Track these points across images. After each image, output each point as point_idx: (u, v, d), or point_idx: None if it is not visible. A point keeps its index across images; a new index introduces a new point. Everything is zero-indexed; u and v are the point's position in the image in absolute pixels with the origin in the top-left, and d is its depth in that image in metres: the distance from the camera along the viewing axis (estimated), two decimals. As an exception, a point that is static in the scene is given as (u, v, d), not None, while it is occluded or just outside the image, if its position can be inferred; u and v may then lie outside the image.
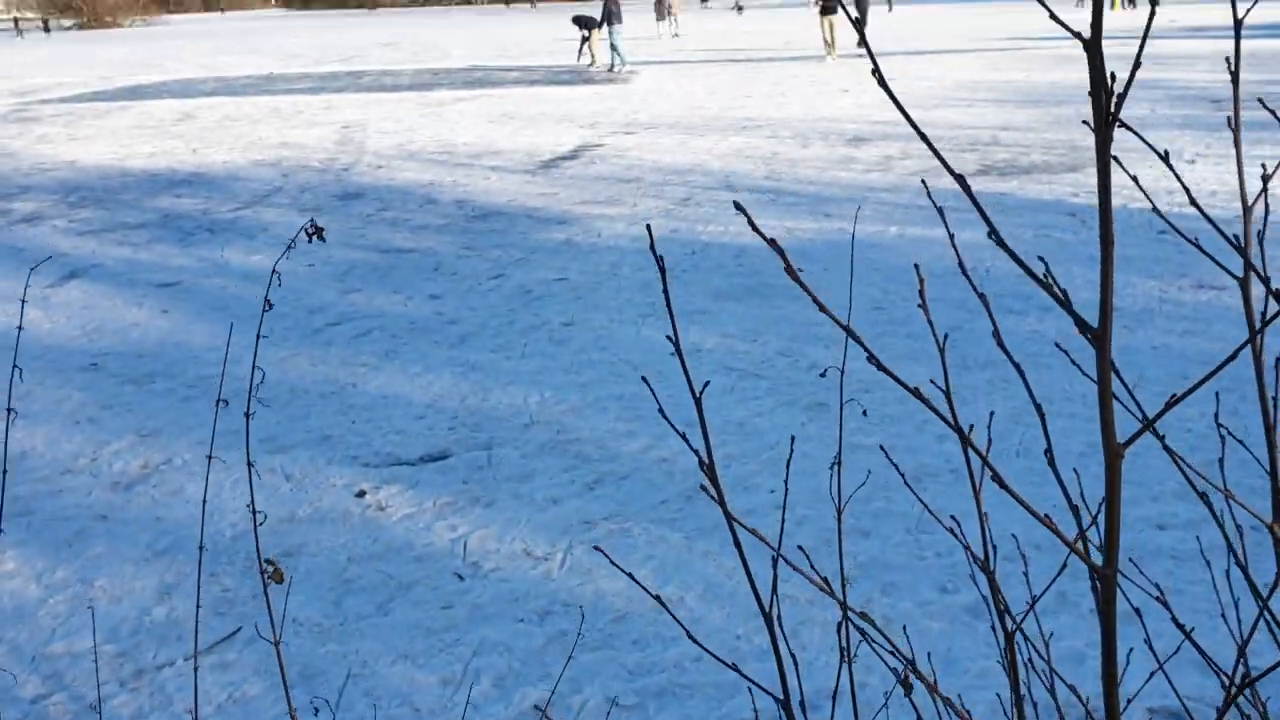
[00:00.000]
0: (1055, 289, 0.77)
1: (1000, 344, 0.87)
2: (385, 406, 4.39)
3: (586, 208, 8.27)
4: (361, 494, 3.67)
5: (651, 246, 0.90)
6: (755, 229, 0.82)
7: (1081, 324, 0.73)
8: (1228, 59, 0.93)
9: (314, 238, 1.39)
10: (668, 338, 0.94)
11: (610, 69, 21.75)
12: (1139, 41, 0.80)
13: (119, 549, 3.36)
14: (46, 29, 72.81)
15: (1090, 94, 0.65)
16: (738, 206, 0.82)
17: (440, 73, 23.26)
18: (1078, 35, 0.69)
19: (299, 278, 6.50)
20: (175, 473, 3.89)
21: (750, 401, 4.28)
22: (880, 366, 0.79)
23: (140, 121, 15.56)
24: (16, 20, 76.64)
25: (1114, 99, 0.66)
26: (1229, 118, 1.07)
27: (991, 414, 2.65)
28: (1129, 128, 0.73)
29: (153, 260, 7.09)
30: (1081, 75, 15.98)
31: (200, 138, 13.32)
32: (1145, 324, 4.97)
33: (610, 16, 21.41)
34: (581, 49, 23.14)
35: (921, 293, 1.04)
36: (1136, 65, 0.73)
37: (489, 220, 7.96)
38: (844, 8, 0.79)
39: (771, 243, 0.78)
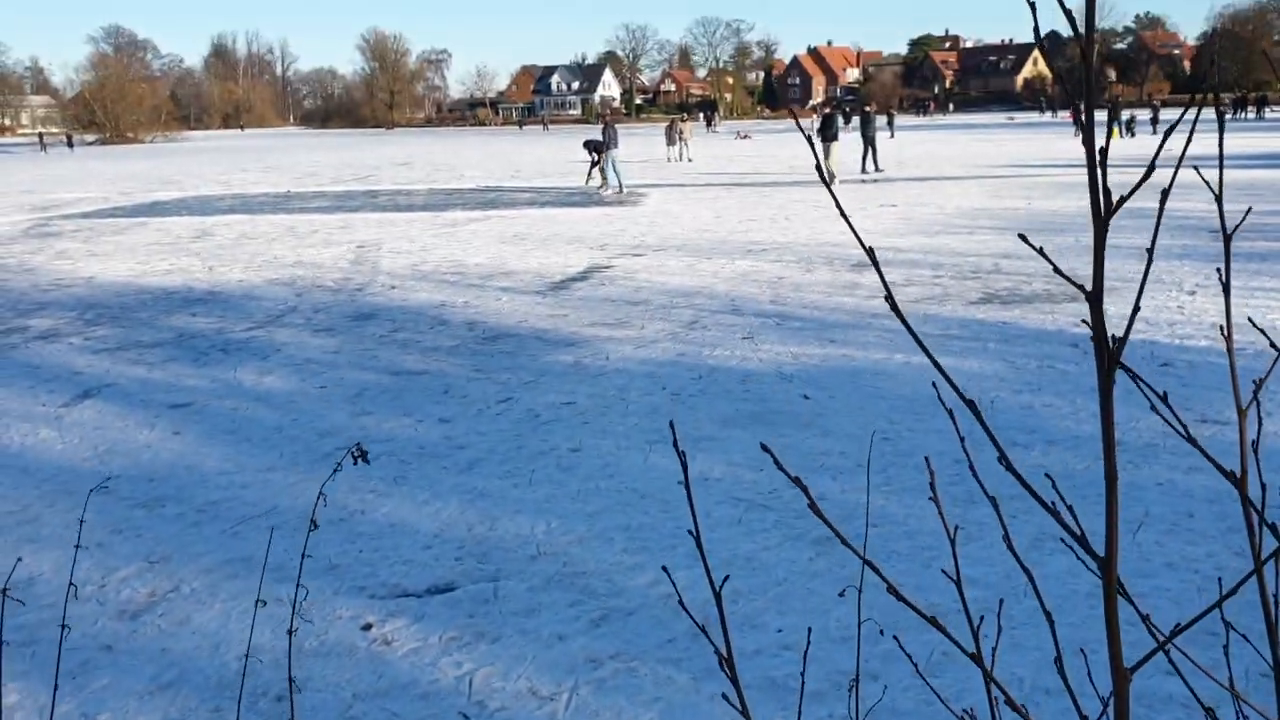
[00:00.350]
0: (1070, 521, 0.81)
1: (1010, 549, 0.91)
2: (393, 535, 4.40)
3: (595, 330, 8.39)
4: (368, 627, 3.65)
5: (675, 443, 0.95)
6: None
7: (1089, 551, 0.77)
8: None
9: (359, 460, 1.47)
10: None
11: (608, 190, 22.36)
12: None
13: (123, 682, 3.34)
14: (70, 144, 74.83)
15: (1093, 340, 0.71)
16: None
17: (454, 193, 23.80)
18: (1080, 287, 0.74)
19: (311, 400, 6.57)
20: (183, 601, 3.88)
21: (757, 534, 4.29)
22: (894, 593, 0.83)
23: (158, 238, 15.89)
24: (41, 135, 78.89)
25: (1117, 345, 0.71)
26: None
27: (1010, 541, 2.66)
28: (1130, 371, 0.78)
29: (166, 380, 7.17)
30: (1082, 203, 16.32)
31: (216, 255, 13.58)
32: (1150, 459, 4.99)
33: (608, 141, 22.17)
34: (591, 172, 23.72)
35: (932, 485, 1.08)
36: (1129, 326, 0.78)
37: (499, 342, 8.06)
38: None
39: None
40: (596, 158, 23.25)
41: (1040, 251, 0.84)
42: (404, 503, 4.76)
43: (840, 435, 5.54)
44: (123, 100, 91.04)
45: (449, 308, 9.53)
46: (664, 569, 3.94)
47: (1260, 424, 1.00)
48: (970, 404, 0.83)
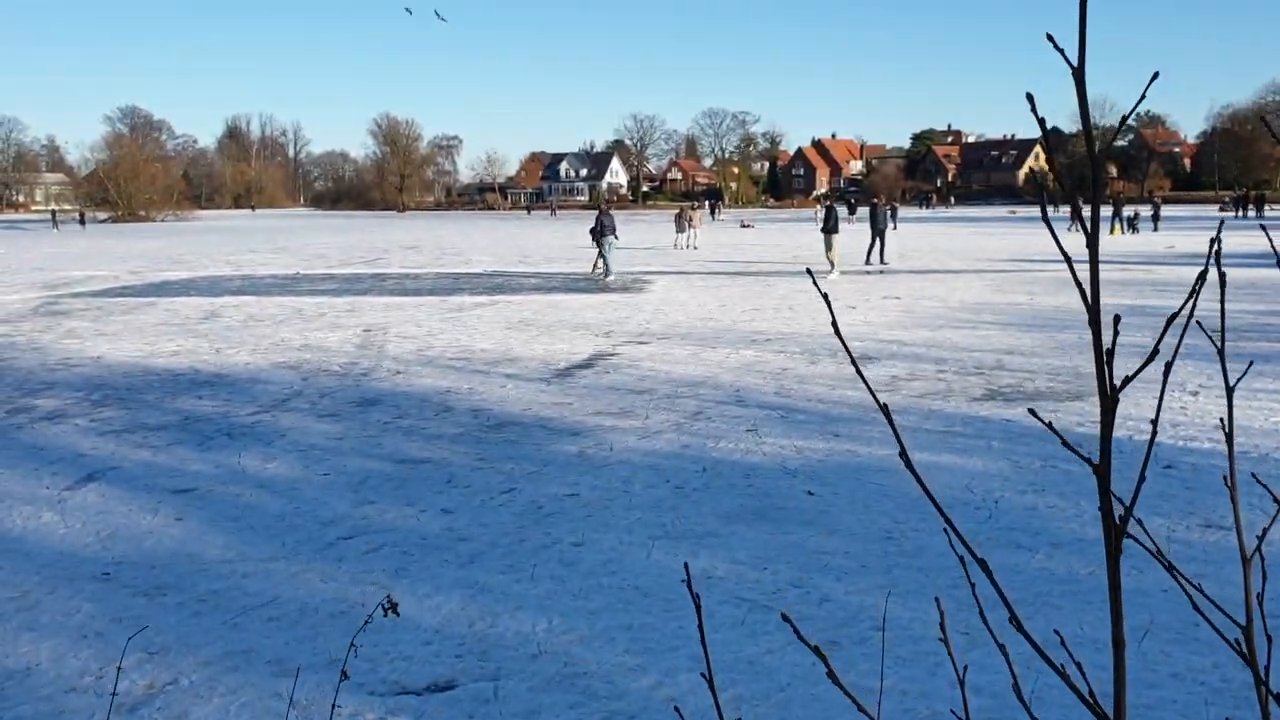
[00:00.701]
0: (1079, 682, 0.83)
1: (1020, 698, 0.93)
2: (393, 629, 4.37)
3: (599, 419, 8.41)
4: (366, 725, 3.61)
5: (688, 583, 0.97)
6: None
7: (1099, 714, 0.79)
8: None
9: (389, 612, 1.51)
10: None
11: (610, 276, 22.67)
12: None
13: (117, 779, 3.29)
14: (82, 221, 75.76)
15: (1100, 511, 0.74)
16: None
17: (461, 277, 24.03)
18: (1087, 460, 0.77)
19: (314, 487, 6.57)
20: (181, 694, 3.84)
21: (761, 637, 4.25)
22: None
23: (167, 318, 16.02)
24: (54, 213, 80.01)
25: (1124, 519, 0.74)
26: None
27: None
28: (1136, 540, 0.81)
29: (171, 464, 7.18)
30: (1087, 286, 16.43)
31: (224, 337, 13.68)
32: (1154, 565, 4.95)
33: (603, 229, 22.63)
34: (597, 260, 23.99)
35: (942, 625, 1.10)
36: (1135, 496, 0.81)
37: (503, 430, 8.08)
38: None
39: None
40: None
41: (1050, 426, 0.88)
42: (405, 596, 4.73)
43: (844, 534, 5.52)
44: (136, 179, 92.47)
45: (454, 394, 9.57)
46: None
47: (1265, 578, 1.02)
48: (981, 563, 0.86)
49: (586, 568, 5.09)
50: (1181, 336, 0.92)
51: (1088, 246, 0.77)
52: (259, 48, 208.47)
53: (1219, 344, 0.98)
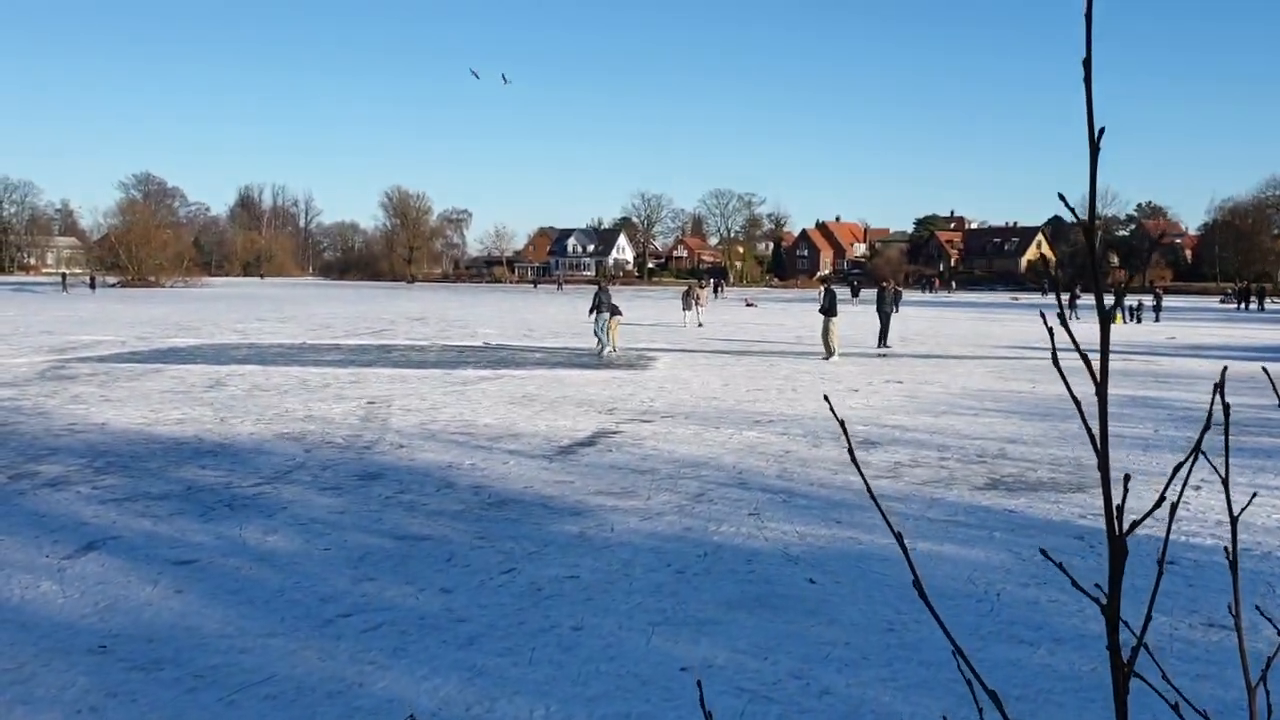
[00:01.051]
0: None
1: (1016, 821, 0.95)
2: (390, 712, 4.34)
3: (601, 499, 8.41)
4: (360, 811, 3.57)
5: (701, 701, 1.00)
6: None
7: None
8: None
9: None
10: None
11: (615, 353, 22.88)
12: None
13: None
14: (92, 285, 76.37)
15: (1108, 649, 0.77)
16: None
17: (466, 350, 24.15)
18: (1096, 600, 0.81)
19: (314, 561, 6.56)
20: (172, 775, 3.81)
21: (760, 728, 4.22)
22: None
23: (173, 386, 16.09)
24: (64, 276, 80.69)
25: (1130, 661, 0.77)
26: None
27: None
28: (1144, 679, 0.84)
29: (172, 535, 7.17)
30: (1087, 389, 16.47)
31: (228, 406, 13.72)
32: (1155, 660, 4.92)
33: (600, 305, 23.02)
34: (603, 336, 24.13)
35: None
36: (1140, 638, 0.84)
37: (505, 508, 8.07)
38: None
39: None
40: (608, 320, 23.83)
41: (1071, 579, 0.91)
42: (403, 677, 4.71)
43: (846, 624, 5.49)
44: (147, 245, 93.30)
45: (456, 470, 9.58)
46: (664, 761, 3.86)
47: (1269, 709, 1.05)
48: (992, 695, 0.89)
49: (585, 653, 5.06)
50: (1192, 463, 0.96)
51: (1096, 395, 0.82)
52: (274, 119, 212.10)
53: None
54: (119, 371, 18.21)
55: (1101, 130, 0.78)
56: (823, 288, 23.73)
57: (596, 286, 24.10)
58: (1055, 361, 0.89)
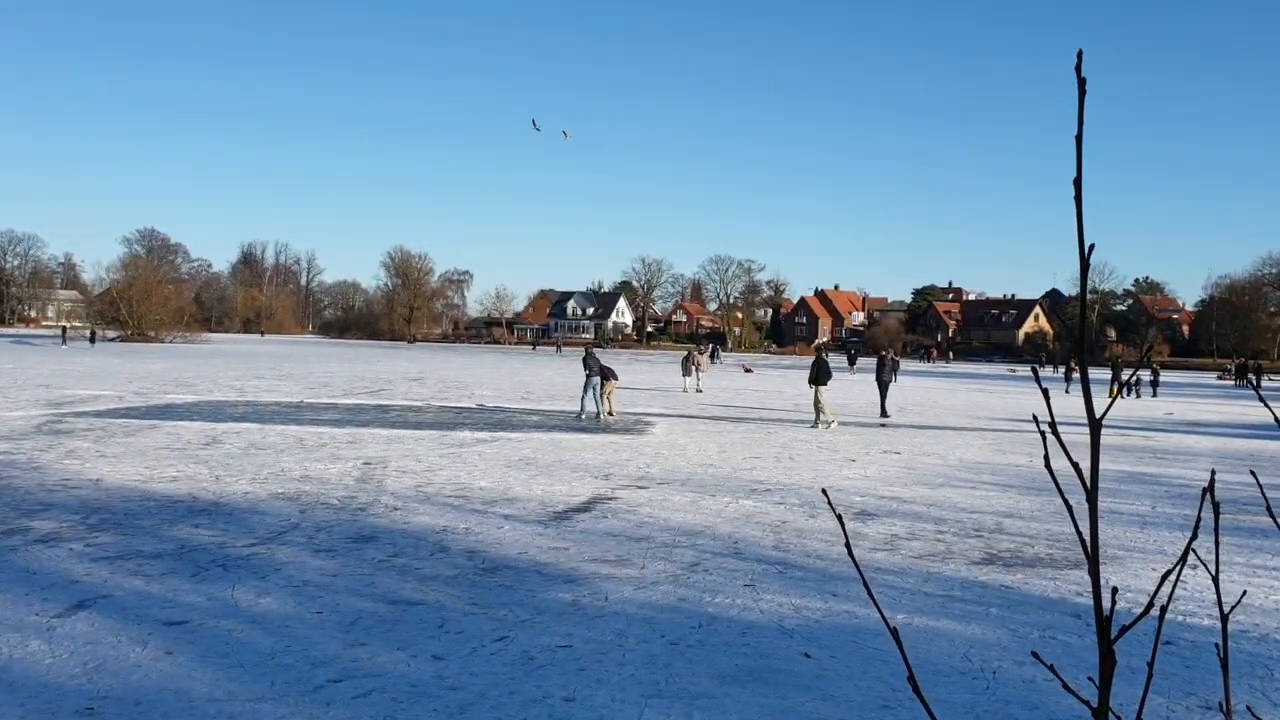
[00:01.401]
0: None
1: None
2: (379, 782, 4.28)
3: (595, 566, 8.36)
4: None
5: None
6: None
7: None
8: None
9: None
10: None
11: (579, 416, 22.96)
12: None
13: None
14: (92, 340, 76.47)
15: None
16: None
17: (464, 412, 24.14)
18: (1086, 703, 0.83)
19: (306, 625, 6.51)
20: (156, 844, 3.75)
21: (753, 806, 4.16)
22: None
23: (169, 442, 16.06)
24: (64, 329, 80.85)
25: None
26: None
27: None
28: (1112, 779, 0.85)
29: (164, 594, 7.12)
30: (1084, 464, 16.46)
31: (224, 465, 13.69)
32: (1156, 746, 4.88)
33: (589, 370, 23.22)
34: (600, 400, 24.13)
35: (935, 836, 1.12)
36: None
37: (498, 574, 8.03)
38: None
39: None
40: (601, 383, 23.86)
41: (1062, 680, 0.93)
42: (392, 746, 4.65)
43: (841, 700, 5.44)
44: (148, 300, 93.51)
45: (450, 534, 9.53)
46: (655, 839, 3.81)
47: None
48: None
49: (577, 724, 5.01)
50: (1181, 569, 0.98)
51: (1088, 502, 0.84)
52: (279, 178, 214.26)
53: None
54: (115, 427, 18.19)
55: (1091, 246, 0.81)
56: (816, 356, 23.78)
57: (585, 351, 24.34)
58: (1049, 467, 0.92)
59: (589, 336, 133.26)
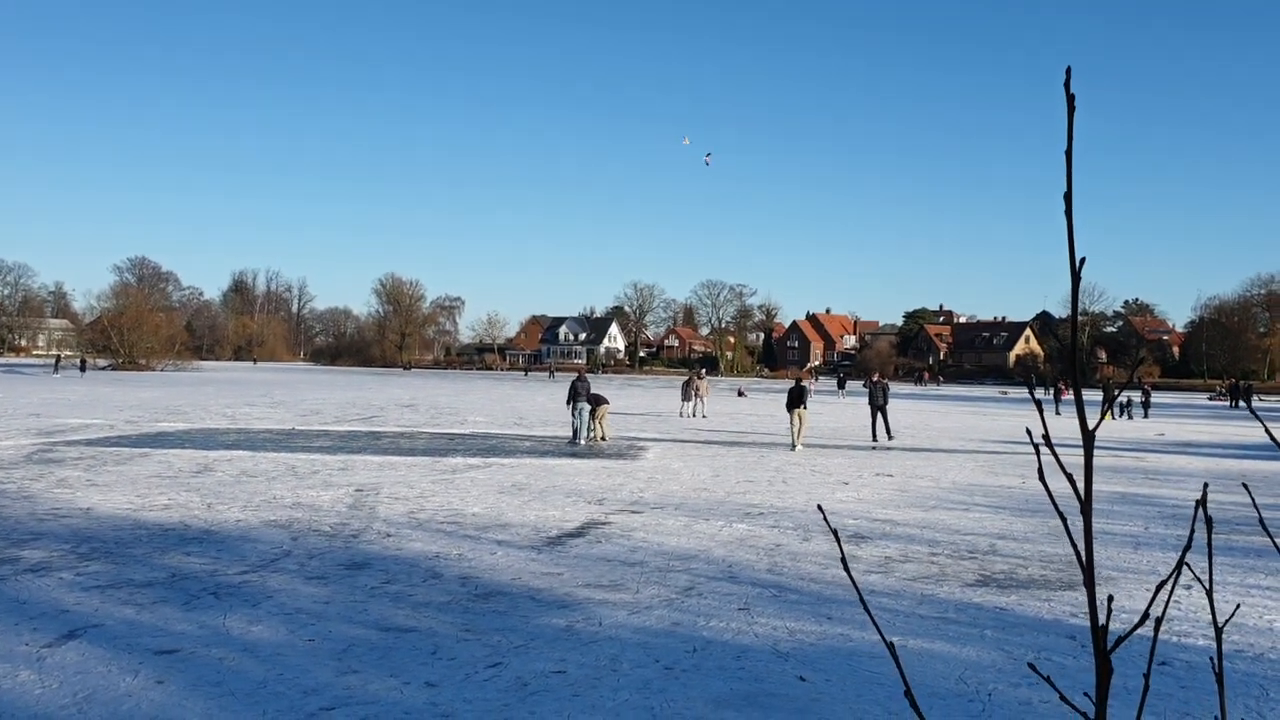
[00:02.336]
0: None
1: None
2: (372, 810, 4.24)
3: (589, 591, 8.33)
4: None
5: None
6: None
7: None
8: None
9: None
10: None
11: (572, 442, 22.97)
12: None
13: None
14: (83, 368, 76.20)
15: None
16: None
17: (456, 438, 24.08)
18: (1084, 714, 0.83)
19: (298, 653, 6.46)
20: None
21: (749, 831, 4.13)
22: None
23: (160, 470, 15.98)
24: (58, 359, 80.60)
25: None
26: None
27: None
28: (1107, 789, 0.85)
29: (154, 623, 7.07)
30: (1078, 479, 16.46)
31: (216, 492, 13.62)
32: (1153, 767, 4.86)
33: (577, 394, 23.28)
34: (590, 424, 24.11)
35: None
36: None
37: (491, 600, 7.99)
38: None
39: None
40: (592, 409, 23.86)
41: (1059, 693, 0.93)
42: (386, 774, 4.61)
43: (836, 723, 5.41)
44: (139, 328, 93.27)
45: (443, 560, 9.49)
46: None
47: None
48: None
49: (572, 750, 4.97)
50: (1175, 579, 0.98)
51: (1082, 514, 0.85)
52: (269, 206, 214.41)
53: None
54: (106, 455, 18.10)
55: (1083, 260, 0.82)
56: (796, 382, 23.98)
57: (577, 374, 24.38)
58: (1043, 480, 0.93)
59: (581, 361, 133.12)
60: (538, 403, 44.60)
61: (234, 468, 16.58)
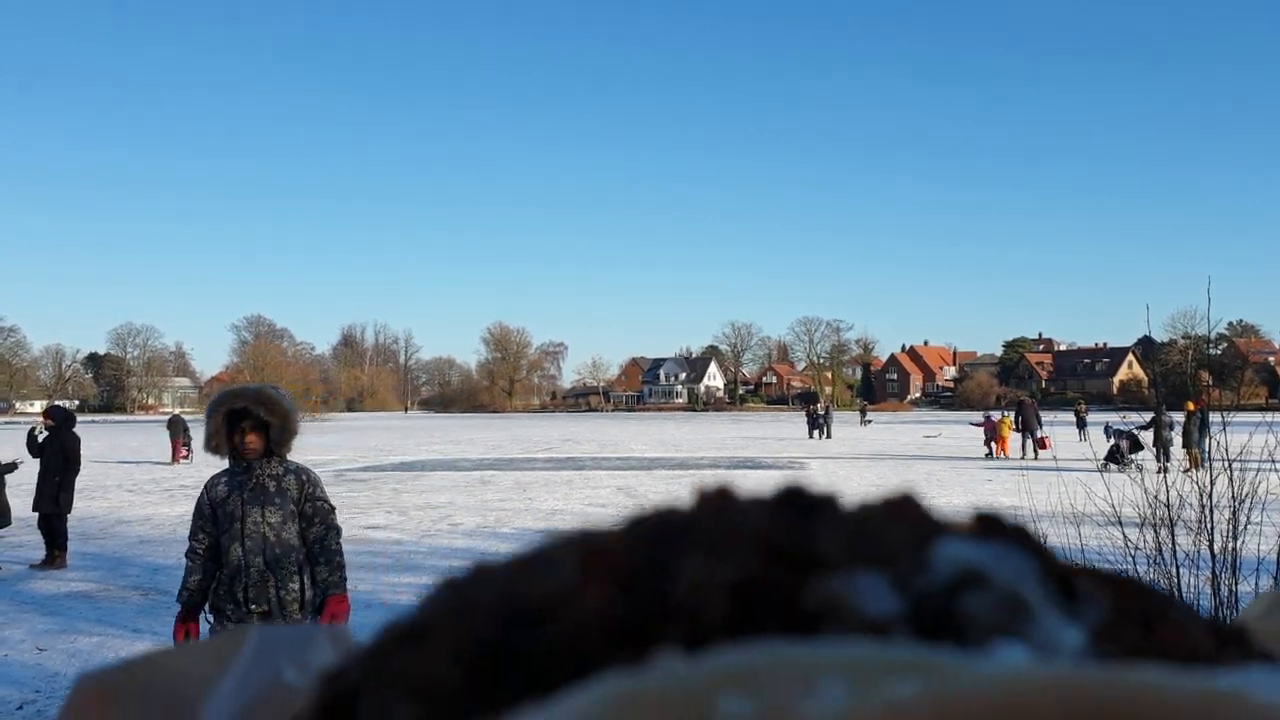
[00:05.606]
0: None
1: None
2: None
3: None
4: None
5: None
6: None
7: None
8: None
9: None
10: None
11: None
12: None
13: None
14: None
15: None
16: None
17: (655, 461, 28.32)
18: None
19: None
20: None
21: None
22: None
23: (448, 484, 20.61)
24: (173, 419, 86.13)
25: None
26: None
27: None
28: None
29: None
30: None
31: (512, 495, 18.13)
32: None
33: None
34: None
35: None
36: None
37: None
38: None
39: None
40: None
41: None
42: None
43: None
44: (277, 382, 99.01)
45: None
46: None
47: None
48: None
49: None
50: None
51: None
52: (377, 261, 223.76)
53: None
54: (387, 478, 22.80)
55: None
56: (812, 411, 27.62)
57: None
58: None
59: (683, 401, 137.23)
60: (680, 434, 48.46)
61: (507, 479, 21.23)
